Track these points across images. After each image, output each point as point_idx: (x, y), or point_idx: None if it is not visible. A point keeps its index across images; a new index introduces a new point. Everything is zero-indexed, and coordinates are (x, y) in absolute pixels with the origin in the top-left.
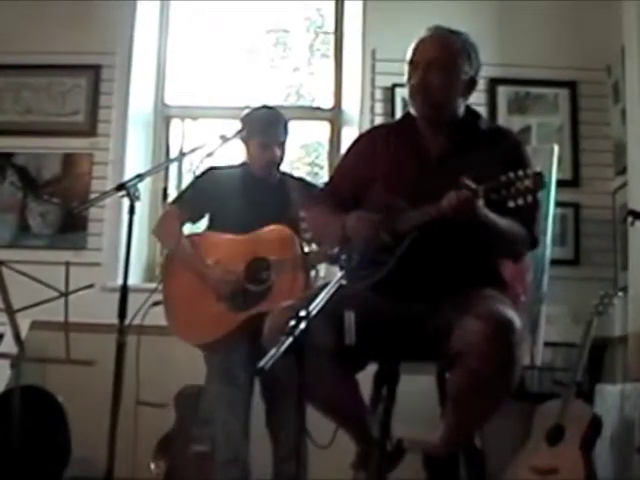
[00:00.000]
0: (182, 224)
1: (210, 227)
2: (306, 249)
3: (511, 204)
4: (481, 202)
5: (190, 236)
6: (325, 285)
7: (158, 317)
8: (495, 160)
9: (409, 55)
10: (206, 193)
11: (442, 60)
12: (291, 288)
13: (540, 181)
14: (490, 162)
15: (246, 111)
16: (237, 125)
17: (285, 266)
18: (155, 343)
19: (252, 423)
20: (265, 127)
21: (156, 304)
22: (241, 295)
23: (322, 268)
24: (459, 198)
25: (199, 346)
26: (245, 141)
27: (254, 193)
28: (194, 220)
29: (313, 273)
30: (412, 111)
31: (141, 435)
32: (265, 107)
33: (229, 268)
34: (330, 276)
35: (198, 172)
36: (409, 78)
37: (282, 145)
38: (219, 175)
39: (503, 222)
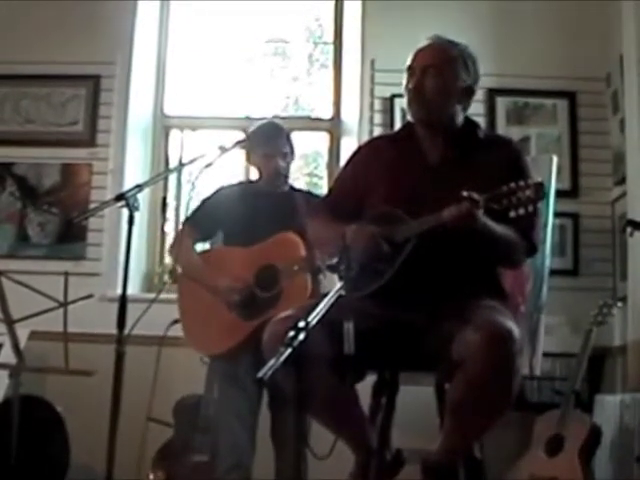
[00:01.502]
0: (194, 242)
1: (224, 243)
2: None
3: (512, 214)
4: (481, 211)
5: (203, 253)
6: (324, 295)
7: (157, 327)
8: (494, 168)
9: (408, 62)
10: (216, 212)
11: (438, 65)
12: (300, 291)
13: (541, 191)
14: (489, 170)
15: (251, 127)
16: (236, 135)
17: (293, 270)
18: (155, 353)
19: (259, 433)
20: (267, 139)
21: (176, 322)
22: (252, 303)
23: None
24: (460, 210)
25: (215, 356)
26: (250, 155)
27: (262, 207)
28: (205, 238)
29: (321, 276)
30: (409, 117)
31: (140, 445)
32: (268, 122)
33: (239, 278)
34: (331, 286)
35: (204, 189)
36: (407, 84)
37: (285, 156)
38: (228, 193)
39: (500, 229)
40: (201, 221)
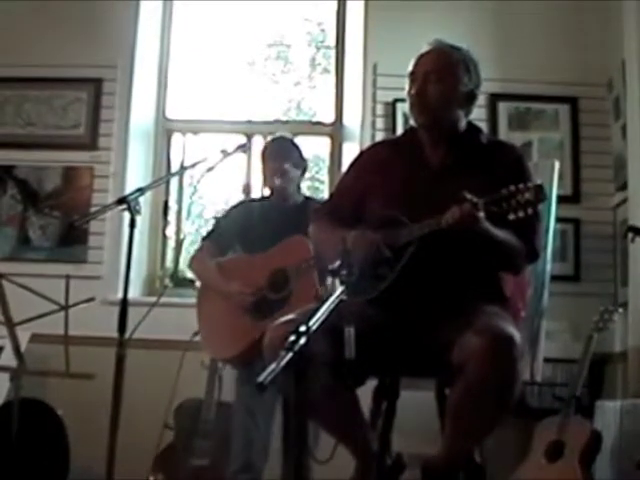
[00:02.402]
0: (212, 256)
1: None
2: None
3: (512, 217)
4: (482, 215)
5: (220, 263)
6: (325, 300)
7: (158, 331)
8: (496, 173)
9: (410, 68)
10: (234, 228)
11: (440, 70)
12: (309, 290)
13: (541, 193)
14: (491, 175)
15: (265, 143)
16: (238, 139)
17: (301, 270)
18: (155, 356)
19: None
20: (275, 153)
21: (196, 334)
22: (264, 305)
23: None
24: (462, 211)
25: (228, 360)
26: (262, 170)
27: (277, 221)
28: (225, 253)
29: (330, 279)
30: (412, 122)
31: (140, 448)
32: (279, 137)
33: (251, 282)
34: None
35: (226, 207)
36: (409, 90)
37: (294, 170)
38: (244, 209)
39: (502, 235)
40: (219, 238)
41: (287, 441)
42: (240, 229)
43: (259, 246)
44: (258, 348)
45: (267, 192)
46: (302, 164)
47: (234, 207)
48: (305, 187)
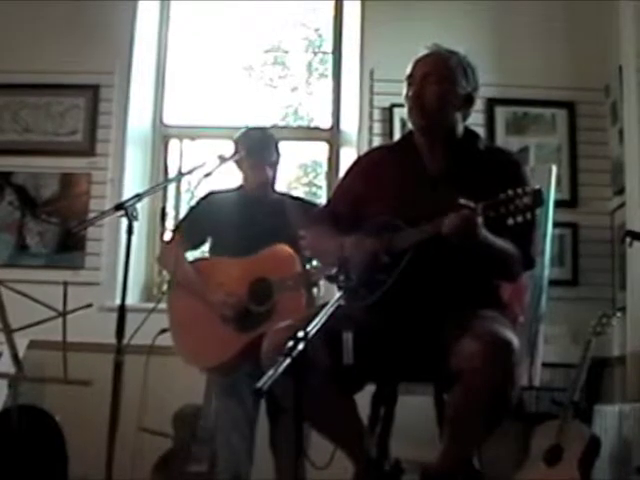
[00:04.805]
0: (184, 251)
1: (212, 251)
2: (307, 266)
3: (510, 221)
4: (480, 220)
5: (194, 262)
6: (324, 305)
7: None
8: (493, 180)
9: (407, 71)
10: (205, 219)
11: (438, 72)
12: (294, 306)
13: (539, 198)
14: (488, 181)
15: (238, 133)
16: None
17: (287, 285)
18: (153, 363)
19: (258, 442)
20: (255, 148)
21: (164, 331)
22: (245, 317)
23: (322, 285)
24: (461, 218)
25: (208, 369)
26: (238, 163)
27: (252, 215)
28: (195, 246)
29: (315, 290)
30: (410, 125)
31: (139, 455)
32: (256, 128)
33: (232, 291)
34: (329, 296)
35: (196, 197)
36: (407, 93)
37: (274, 166)
38: (217, 200)
39: (499, 243)
40: (191, 229)
41: (276, 446)
42: (215, 221)
43: (236, 241)
44: (241, 359)
45: (237, 184)
46: (278, 158)
47: (202, 199)
48: (302, 192)
